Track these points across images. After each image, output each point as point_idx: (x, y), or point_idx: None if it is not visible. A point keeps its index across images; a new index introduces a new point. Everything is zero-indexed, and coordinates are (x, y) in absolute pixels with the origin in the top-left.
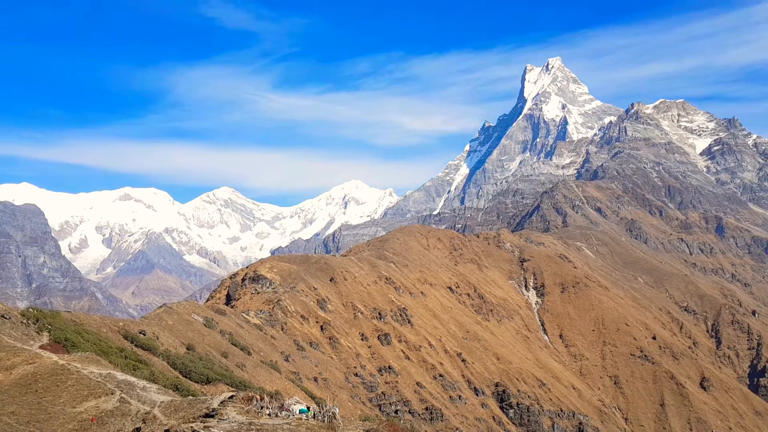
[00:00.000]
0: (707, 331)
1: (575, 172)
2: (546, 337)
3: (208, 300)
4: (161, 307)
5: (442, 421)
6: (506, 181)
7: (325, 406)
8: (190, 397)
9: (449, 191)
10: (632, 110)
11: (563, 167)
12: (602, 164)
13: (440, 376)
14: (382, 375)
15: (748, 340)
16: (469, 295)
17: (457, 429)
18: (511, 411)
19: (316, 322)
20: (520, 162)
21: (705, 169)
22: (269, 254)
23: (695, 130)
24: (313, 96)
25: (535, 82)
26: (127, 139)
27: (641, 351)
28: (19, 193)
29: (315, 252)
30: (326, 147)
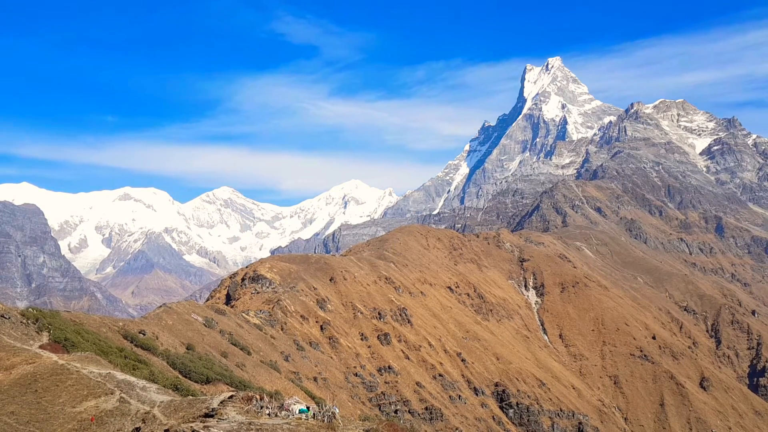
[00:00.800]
0: (707, 331)
1: (575, 171)
2: (546, 337)
3: (207, 300)
4: (161, 306)
5: (441, 420)
6: (506, 181)
7: (325, 406)
8: (190, 397)
9: (449, 191)
10: (632, 110)
11: (563, 167)
12: (602, 164)
13: (440, 375)
14: (381, 375)
15: (747, 339)
16: (468, 294)
17: (456, 429)
18: (511, 411)
19: (316, 321)
20: (520, 162)
21: (705, 169)
22: (269, 254)
23: (695, 129)
24: (364, 103)
25: (534, 82)
26: (174, 143)
27: (641, 351)
28: (19, 193)
29: (315, 252)
30: (365, 151)
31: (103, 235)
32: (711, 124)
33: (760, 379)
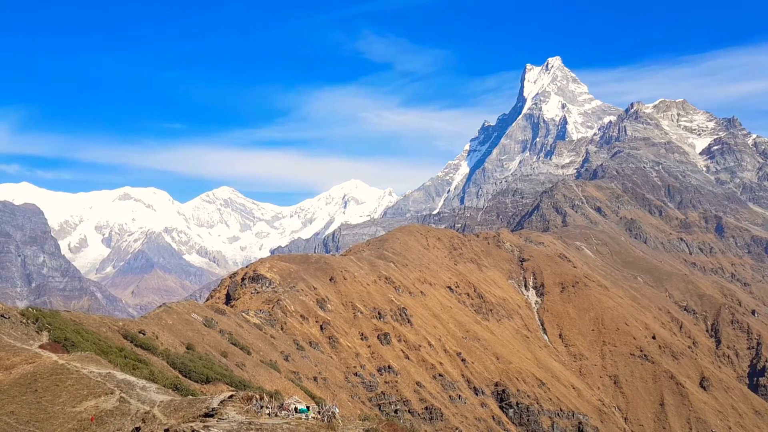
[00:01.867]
0: (707, 331)
1: (575, 171)
2: (545, 337)
3: (207, 299)
4: (161, 306)
5: (441, 420)
6: (506, 181)
7: (325, 406)
8: (190, 397)
9: (449, 191)
10: (632, 110)
11: (563, 167)
12: (602, 164)
13: (440, 375)
14: (381, 375)
15: (747, 339)
16: (468, 294)
17: (456, 429)
18: (511, 410)
19: (316, 321)
20: (520, 161)
21: (705, 169)
22: (269, 254)
23: (695, 129)
24: (429, 112)
25: (534, 82)
26: (233, 147)
27: (641, 350)
28: (19, 193)
29: (314, 251)
30: (417, 155)
31: (103, 234)
32: (711, 124)
33: (760, 378)
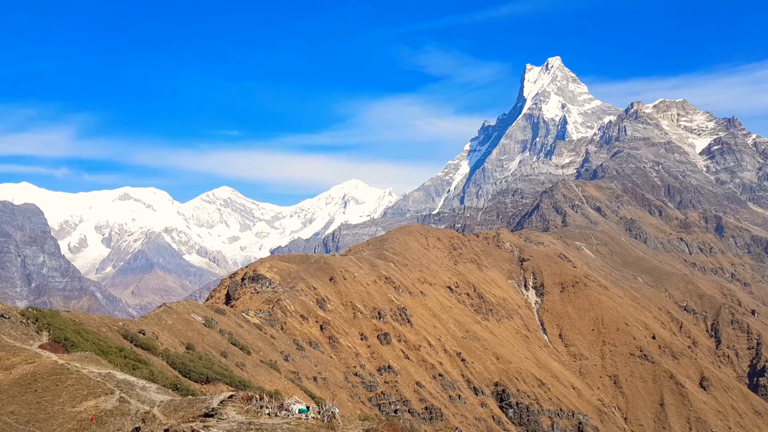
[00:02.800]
0: (707, 331)
1: (575, 171)
2: (545, 337)
3: (207, 299)
4: (161, 306)
5: (441, 420)
6: (506, 181)
7: (325, 406)
8: (190, 397)
9: (449, 191)
10: (632, 110)
11: (563, 167)
12: (602, 164)
13: (440, 375)
14: (381, 374)
15: (747, 339)
16: (468, 294)
17: (456, 428)
18: (511, 410)
19: (316, 321)
20: (520, 161)
21: (704, 169)
22: (269, 254)
23: (695, 129)
24: (468, 120)
25: (534, 82)
26: (282, 151)
27: (641, 350)
28: (19, 193)
29: (314, 251)
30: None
31: (103, 234)
32: (711, 124)
33: (760, 378)
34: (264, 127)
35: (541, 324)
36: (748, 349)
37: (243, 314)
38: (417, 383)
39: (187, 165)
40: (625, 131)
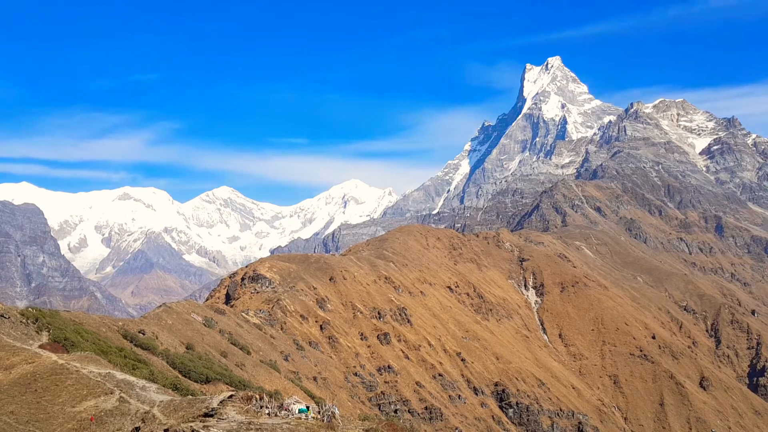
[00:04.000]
0: (706, 331)
1: (575, 171)
2: (545, 337)
3: (207, 299)
4: (160, 306)
5: (441, 420)
6: (505, 181)
7: (325, 406)
8: (190, 397)
9: (448, 191)
10: (632, 110)
11: (562, 167)
12: (601, 164)
13: (439, 375)
14: (381, 374)
15: (747, 339)
16: (468, 294)
17: (456, 428)
18: (511, 410)
19: (316, 321)
20: (520, 161)
21: (704, 169)
22: (269, 254)
23: (695, 129)
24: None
25: (534, 82)
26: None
27: (640, 350)
28: (19, 193)
29: (314, 251)
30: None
31: (103, 234)
32: (711, 124)
33: (760, 378)
34: (330, 134)
35: (541, 324)
36: (748, 349)
37: (243, 314)
38: (417, 383)
39: (252, 169)
40: (625, 131)
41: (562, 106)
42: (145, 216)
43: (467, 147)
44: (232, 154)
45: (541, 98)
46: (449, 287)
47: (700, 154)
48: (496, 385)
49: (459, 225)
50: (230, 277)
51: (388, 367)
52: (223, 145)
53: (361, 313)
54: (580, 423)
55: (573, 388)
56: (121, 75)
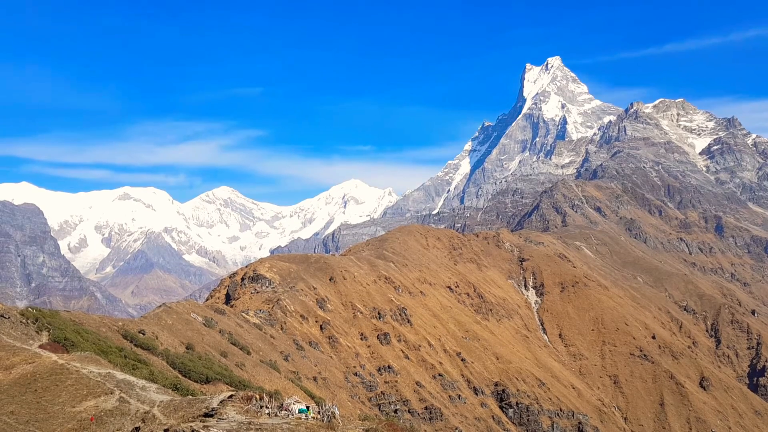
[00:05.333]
0: (707, 331)
1: (575, 171)
2: (545, 337)
3: (207, 299)
4: (160, 306)
5: (441, 420)
6: (505, 181)
7: (325, 406)
8: (190, 397)
9: (448, 191)
10: (632, 110)
11: (562, 167)
12: (601, 164)
13: (439, 375)
14: (381, 374)
15: (747, 339)
16: (468, 294)
17: (456, 428)
18: (511, 410)
19: (316, 321)
20: (520, 161)
21: (704, 169)
22: (269, 254)
23: (695, 129)
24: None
25: (534, 82)
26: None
27: (641, 350)
28: (19, 193)
29: (314, 251)
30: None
31: (103, 234)
32: (711, 124)
33: (760, 378)
34: (393, 142)
35: (541, 324)
36: (748, 349)
37: (243, 314)
38: (417, 383)
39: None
40: (624, 131)
41: (562, 106)
42: (145, 216)
43: (467, 147)
44: (299, 159)
45: (541, 98)
46: (449, 287)
47: (700, 154)
48: (496, 385)
49: (459, 225)
50: (230, 277)
51: (388, 367)
52: (291, 152)
53: (361, 313)
54: (580, 423)
55: (573, 388)
56: (224, 89)
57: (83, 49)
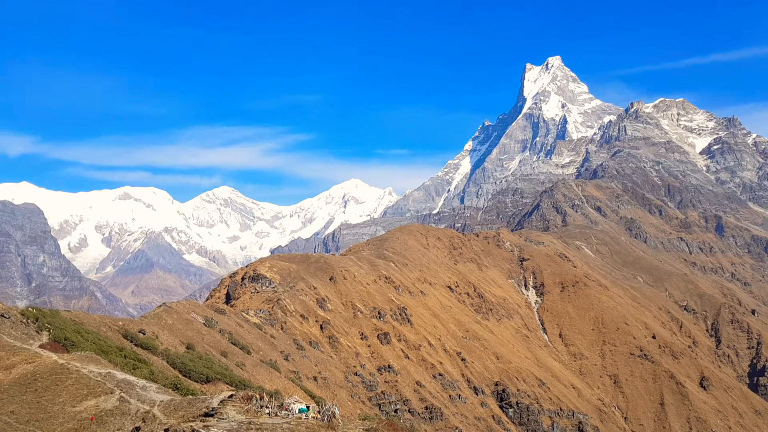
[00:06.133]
0: (707, 331)
1: (575, 171)
2: (545, 336)
3: (207, 299)
4: (161, 306)
5: (441, 420)
6: (506, 181)
7: (325, 406)
8: (190, 397)
9: (449, 190)
10: (632, 109)
11: (563, 166)
12: (602, 163)
13: (440, 375)
14: (381, 374)
15: (747, 339)
16: (468, 294)
17: (456, 428)
18: (511, 410)
19: (316, 321)
20: (520, 161)
21: (705, 168)
22: (269, 253)
23: (695, 129)
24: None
25: (534, 81)
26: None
27: (641, 350)
28: (19, 193)
29: (314, 251)
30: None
31: (103, 234)
32: (711, 124)
33: (760, 378)
34: (429, 146)
35: (541, 324)
36: (748, 348)
37: (243, 314)
38: (417, 383)
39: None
40: (625, 131)
41: (563, 106)
42: (145, 216)
43: (467, 147)
44: (340, 163)
45: (542, 98)
46: (449, 287)
47: (701, 153)
48: (496, 384)
49: (459, 225)
50: (230, 277)
51: (389, 366)
52: (330, 155)
53: (361, 312)
54: (580, 423)
55: (573, 387)
56: (284, 95)
57: (154, 61)
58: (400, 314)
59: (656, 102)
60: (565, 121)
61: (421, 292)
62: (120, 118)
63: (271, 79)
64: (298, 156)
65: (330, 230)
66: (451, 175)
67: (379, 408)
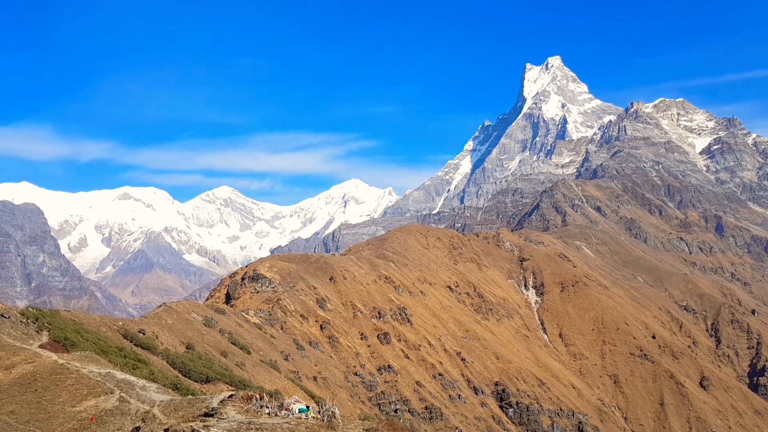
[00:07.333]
0: (707, 330)
1: (575, 171)
2: (545, 336)
3: (207, 299)
4: (161, 306)
5: (441, 420)
6: (506, 181)
7: (325, 406)
8: (190, 396)
9: (449, 190)
10: (632, 109)
11: (563, 166)
12: (602, 163)
13: (440, 375)
14: (381, 374)
15: (747, 339)
16: (468, 294)
17: (456, 428)
18: (511, 410)
19: (316, 321)
20: (520, 161)
21: (704, 168)
22: (269, 253)
23: (695, 129)
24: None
25: (534, 81)
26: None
27: (641, 350)
28: (19, 193)
29: (314, 251)
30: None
31: (103, 234)
32: (711, 124)
33: (760, 378)
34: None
35: (541, 323)
36: (748, 348)
37: (243, 314)
38: (417, 383)
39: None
40: (625, 131)
41: (562, 106)
42: (145, 216)
43: (467, 146)
44: (392, 167)
45: (541, 98)
46: (449, 287)
47: (700, 153)
48: (496, 384)
49: (459, 225)
50: (230, 277)
51: (388, 366)
52: (388, 161)
53: (361, 312)
54: (580, 423)
55: (573, 387)
56: (361, 107)
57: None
58: (400, 314)
59: (656, 102)
60: (565, 121)
61: (421, 292)
62: (199, 126)
63: (351, 91)
64: (356, 161)
65: (330, 230)
66: (451, 175)
67: (379, 408)
